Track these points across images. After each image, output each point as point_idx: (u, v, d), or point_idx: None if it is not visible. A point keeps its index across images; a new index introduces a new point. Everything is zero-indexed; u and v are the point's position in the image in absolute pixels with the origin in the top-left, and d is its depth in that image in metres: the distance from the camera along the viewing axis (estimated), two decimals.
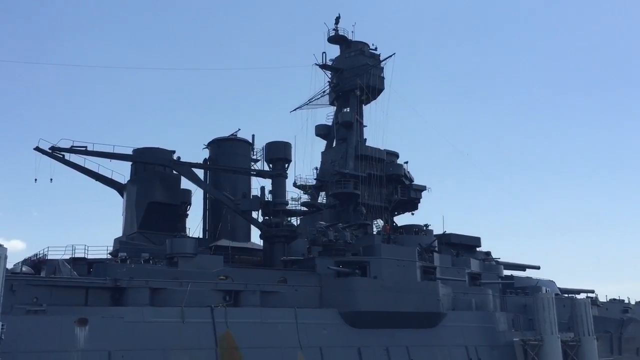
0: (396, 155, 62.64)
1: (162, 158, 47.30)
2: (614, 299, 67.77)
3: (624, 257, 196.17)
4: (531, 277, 65.63)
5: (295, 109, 64.65)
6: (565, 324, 54.82)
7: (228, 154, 51.52)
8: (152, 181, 46.59)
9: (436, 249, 53.40)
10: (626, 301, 68.27)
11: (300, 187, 59.02)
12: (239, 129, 52.27)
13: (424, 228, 58.32)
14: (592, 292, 68.04)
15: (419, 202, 61.99)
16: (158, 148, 48.08)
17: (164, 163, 47.27)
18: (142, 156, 47.40)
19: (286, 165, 48.04)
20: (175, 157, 47.89)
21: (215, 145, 52.67)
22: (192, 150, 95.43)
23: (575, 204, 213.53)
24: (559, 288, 66.11)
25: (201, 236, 50.99)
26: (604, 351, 60.19)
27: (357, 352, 40.79)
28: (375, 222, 59.01)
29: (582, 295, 64.01)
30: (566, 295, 63.22)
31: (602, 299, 66.22)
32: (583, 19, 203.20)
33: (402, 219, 64.84)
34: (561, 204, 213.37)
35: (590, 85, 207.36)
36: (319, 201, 59.05)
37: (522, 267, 68.47)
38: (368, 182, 57.04)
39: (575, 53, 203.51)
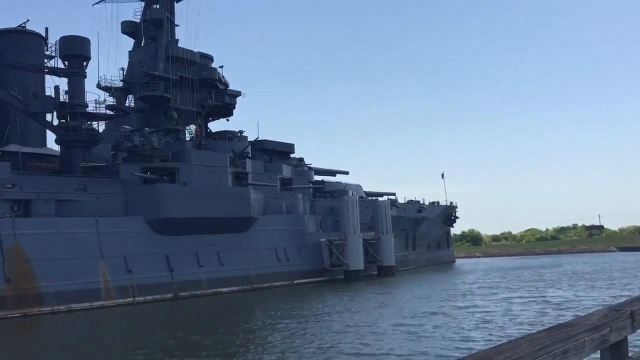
0: (210, 58, 60.01)
1: None
2: (411, 200, 74.29)
3: (423, 162, 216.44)
4: (340, 182, 69.16)
5: (98, 2, 58.34)
6: (368, 224, 59.09)
7: (16, 48, 45.13)
8: None
9: (249, 155, 53.33)
10: (421, 202, 75.23)
11: (104, 88, 54.06)
12: (28, 20, 46.16)
13: (238, 134, 57.73)
14: (394, 194, 73.97)
15: (234, 108, 60.74)
16: None
17: None
18: None
19: (85, 63, 43.32)
20: None
21: (1, 37, 45.75)
22: None
23: (384, 111, 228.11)
24: (364, 191, 70.67)
25: None
26: (400, 247, 66.40)
27: (165, 260, 39.89)
28: (188, 128, 56.87)
29: (385, 198, 69.05)
30: (370, 198, 67.65)
31: (401, 200, 72.26)
32: None
33: (217, 125, 63.58)
34: (371, 111, 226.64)
35: None
36: (126, 105, 54.98)
37: (333, 173, 71.70)
38: (180, 86, 54.13)
39: None
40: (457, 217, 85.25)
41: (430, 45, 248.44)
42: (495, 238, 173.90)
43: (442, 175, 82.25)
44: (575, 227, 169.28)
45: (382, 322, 22.47)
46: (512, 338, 3.22)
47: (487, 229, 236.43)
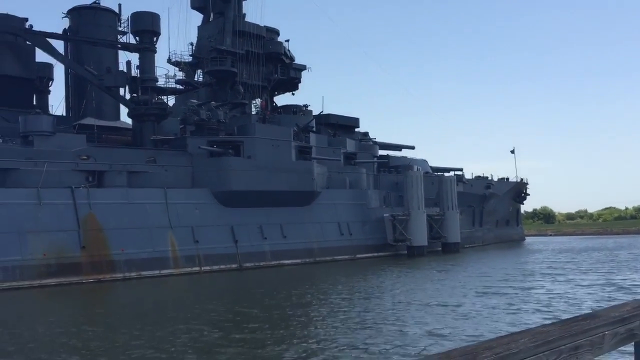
0: (277, 32, 60.28)
1: (11, 26, 42.07)
2: (479, 176, 72.48)
3: (493, 137, 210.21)
4: (406, 157, 68.32)
5: None
6: (434, 200, 58.24)
7: (91, 25, 46.90)
8: (1, 51, 41.56)
9: (313, 129, 53.46)
10: (489, 178, 73.28)
11: (174, 63, 55.56)
12: None
13: (303, 108, 57.92)
14: (461, 170, 72.42)
15: (300, 82, 60.99)
16: (6, 14, 42.62)
17: (14, 32, 42.14)
18: None
19: (155, 38, 44.46)
20: (27, 25, 42.78)
21: (76, 13, 47.61)
22: (50, 19, 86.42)
23: (453, 87, 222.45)
24: (430, 167, 69.55)
25: (64, 114, 47.35)
26: (466, 223, 65.16)
27: (230, 231, 40.89)
28: (254, 102, 57.60)
29: (451, 174, 67.68)
30: (436, 173, 66.53)
31: (468, 176, 70.68)
32: None
33: (282, 99, 64.12)
34: (439, 87, 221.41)
35: None
36: (195, 79, 56.22)
37: (398, 147, 70.94)
38: (246, 60, 54.73)
39: None
40: (528, 194, 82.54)
41: (498, 15, 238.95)
42: (569, 216, 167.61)
43: (512, 151, 79.65)
44: None
45: (433, 299, 22.23)
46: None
47: (562, 207, 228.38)
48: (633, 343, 3.62)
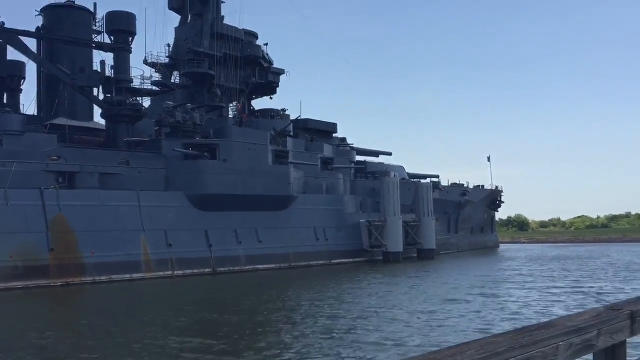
0: (255, 35, 59.99)
1: None
2: (455, 183, 72.90)
3: (469, 144, 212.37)
4: (383, 163, 68.40)
5: None
6: (410, 206, 58.34)
7: (65, 23, 46.03)
8: None
9: (291, 133, 53.21)
10: (465, 185, 73.75)
11: (151, 64, 54.79)
12: None
13: (281, 112, 57.66)
14: (437, 177, 72.73)
15: (277, 86, 60.71)
16: None
17: None
18: None
19: (130, 38, 43.89)
20: None
21: (50, 11, 46.74)
22: (23, 17, 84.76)
23: (429, 92, 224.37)
24: (407, 173, 69.71)
25: (36, 113, 46.43)
26: (442, 230, 65.43)
27: (204, 235, 40.41)
28: (231, 105, 57.17)
29: (428, 181, 67.92)
30: (413, 180, 66.69)
31: (444, 183, 71.00)
32: None
33: (260, 103, 63.76)
34: (418, 94, 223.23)
35: None
36: (171, 81, 55.58)
37: (376, 153, 71.01)
38: (224, 63, 54.31)
39: None
40: (503, 202, 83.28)
41: (476, 25, 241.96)
42: (542, 224, 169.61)
43: (488, 159, 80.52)
44: (628, 215, 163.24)
45: (398, 308, 22.12)
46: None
47: (535, 215, 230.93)
48: (591, 354, 3.46)
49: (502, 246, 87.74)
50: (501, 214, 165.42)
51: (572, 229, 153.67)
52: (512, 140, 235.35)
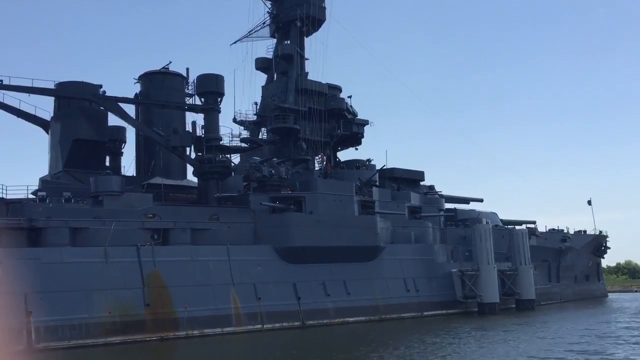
0: (339, 89, 61.10)
1: (86, 92, 44.57)
2: (553, 229, 69.19)
3: (568, 189, 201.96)
4: (474, 210, 66.28)
5: (235, 42, 62.15)
6: (505, 254, 55.81)
7: (160, 88, 49.03)
8: (76, 117, 43.95)
9: (377, 183, 52.96)
10: (565, 231, 69.83)
11: (239, 122, 57.20)
12: (170, 62, 49.87)
13: (367, 163, 57.72)
14: (534, 222, 69.35)
15: (362, 137, 61.07)
16: (82, 82, 45.29)
17: (89, 98, 44.62)
18: (65, 90, 44.61)
19: (219, 99, 45.93)
20: (101, 91, 45.24)
21: (147, 79, 50.01)
22: (123, 84, 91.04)
23: (521, 133, 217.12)
24: (501, 220, 67.08)
25: (134, 175, 49.14)
26: (542, 279, 61.92)
27: (292, 287, 40.42)
28: (317, 158, 57.99)
29: (523, 227, 64.91)
30: (507, 226, 63.99)
31: (542, 229, 67.56)
32: None
33: (346, 155, 64.17)
34: (506, 134, 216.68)
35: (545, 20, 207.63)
36: (259, 137, 57.45)
37: (466, 200, 69.05)
38: (309, 117, 55.54)
39: None
40: (609, 247, 77.79)
41: (571, 62, 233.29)
42: None
43: (589, 202, 75.88)
44: None
45: None
46: None
47: None
48: None
49: (611, 295, 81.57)
50: (609, 261, 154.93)
51: None
52: (614, 182, 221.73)
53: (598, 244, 76.07)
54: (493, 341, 28.66)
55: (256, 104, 58.59)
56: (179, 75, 50.48)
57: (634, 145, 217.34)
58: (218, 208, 41.73)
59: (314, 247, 41.48)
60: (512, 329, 34.69)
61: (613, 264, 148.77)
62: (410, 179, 60.07)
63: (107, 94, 45.12)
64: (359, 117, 60.69)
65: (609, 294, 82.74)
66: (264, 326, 38.08)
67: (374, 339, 31.67)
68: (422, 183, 62.21)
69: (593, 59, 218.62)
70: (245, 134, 56.51)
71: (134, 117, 47.96)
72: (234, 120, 57.08)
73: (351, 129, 58.91)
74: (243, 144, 54.72)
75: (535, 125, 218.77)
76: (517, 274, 53.27)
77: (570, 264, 69.47)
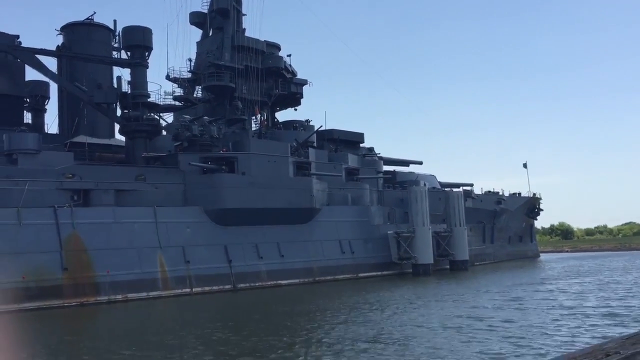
0: (277, 47, 59.09)
1: (0, 43, 41.29)
2: (489, 192, 70.24)
3: (506, 153, 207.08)
4: (413, 172, 66.40)
5: None
6: (441, 216, 56.19)
7: (84, 41, 46.12)
8: None
9: (314, 144, 51.93)
10: (500, 193, 70.97)
11: (173, 80, 54.49)
12: (95, 12, 46.94)
13: (305, 123, 56.49)
14: (471, 185, 70.18)
15: (301, 97, 59.50)
16: None
17: (3, 49, 41.37)
18: None
19: (146, 53, 43.45)
20: (17, 42, 42.03)
21: (69, 30, 46.89)
22: (44, 36, 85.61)
23: (461, 99, 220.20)
24: (439, 182, 67.50)
25: (58, 132, 46.44)
26: (476, 240, 62.92)
27: (223, 250, 39.31)
28: (254, 118, 56.30)
29: (460, 189, 65.47)
30: (444, 189, 64.40)
31: (478, 192, 68.44)
32: None
33: (285, 115, 62.69)
34: (449, 103, 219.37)
35: None
36: (194, 96, 55.11)
37: (406, 163, 69.01)
38: (246, 75, 53.49)
39: None
40: (542, 210, 79.95)
41: (509, 27, 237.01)
42: (588, 232, 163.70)
43: (525, 165, 77.40)
44: None
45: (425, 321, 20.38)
46: None
47: (581, 223, 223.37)
48: None
49: (543, 256, 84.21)
50: (543, 222, 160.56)
51: (619, 236, 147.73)
52: (551, 148, 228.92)
53: (532, 205, 77.95)
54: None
55: (190, 60, 55.91)
56: (105, 27, 47.58)
57: (572, 111, 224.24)
58: (145, 168, 39.84)
59: (246, 209, 40.34)
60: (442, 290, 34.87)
61: (547, 226, 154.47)
62: (349, 141, 59.26)
63: (24, 45, 41.97)
64: (298, 76, 59.04)
65: (540, 254, 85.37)
66: (193, 290, 36.95)
67: (295, 302, 31.07)
68: (361, 145, 61.58)
69: (528, 17, 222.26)
70: (179, 91, 54.07)
71: (57, 72, 44.96)
72: (167, 78, 54.36)
73: (289, 89, 57.19)
74: (176, 102, 52.50)
75: (474, 88, 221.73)
76: (452, 235, 53.76)
77: (504, 226, 70.90)
